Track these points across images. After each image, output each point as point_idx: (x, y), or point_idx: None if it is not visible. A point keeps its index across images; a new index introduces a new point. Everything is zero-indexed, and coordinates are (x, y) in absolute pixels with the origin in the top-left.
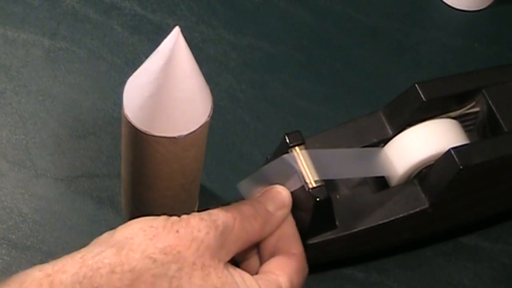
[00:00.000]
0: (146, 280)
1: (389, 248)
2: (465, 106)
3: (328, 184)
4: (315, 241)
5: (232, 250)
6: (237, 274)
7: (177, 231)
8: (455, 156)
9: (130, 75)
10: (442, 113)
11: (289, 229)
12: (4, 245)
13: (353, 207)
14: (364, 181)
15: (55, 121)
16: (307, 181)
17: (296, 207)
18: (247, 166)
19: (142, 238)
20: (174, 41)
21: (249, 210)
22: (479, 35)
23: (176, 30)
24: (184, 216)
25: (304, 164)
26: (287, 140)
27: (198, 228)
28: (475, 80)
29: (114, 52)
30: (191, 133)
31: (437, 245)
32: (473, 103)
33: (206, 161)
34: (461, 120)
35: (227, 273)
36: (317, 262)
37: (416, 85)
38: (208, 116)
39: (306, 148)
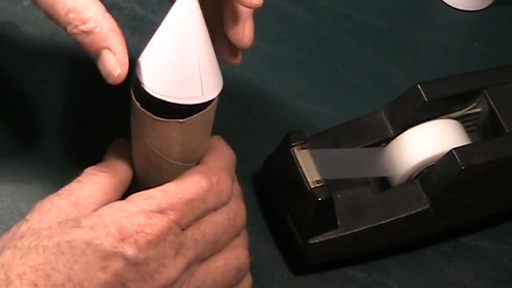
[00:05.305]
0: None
1: (389, 248)
2: (466, 107)
3: (329, 184)
4: (316, 240)
5: None
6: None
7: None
8: (457, 157)
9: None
10: (444, 114)
11: None
12: None
13: (354, 207)
14: (365, 181)
15: (55, 121)
16: (309, 180)
17: (297, 207)
18: (247, 166)
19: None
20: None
21: None
22: (479, 35)
23: None
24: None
25: (305, 164)
26: (289, 140)
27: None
28: (477, 80)
29: None
30: (211, 100)
31: (437, 245)
32: (474, 104)
33: None
34: (462, 120)
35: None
36: (318, 262)
37: (418, 85)
38: (221, 90)
39: (307, 148)
